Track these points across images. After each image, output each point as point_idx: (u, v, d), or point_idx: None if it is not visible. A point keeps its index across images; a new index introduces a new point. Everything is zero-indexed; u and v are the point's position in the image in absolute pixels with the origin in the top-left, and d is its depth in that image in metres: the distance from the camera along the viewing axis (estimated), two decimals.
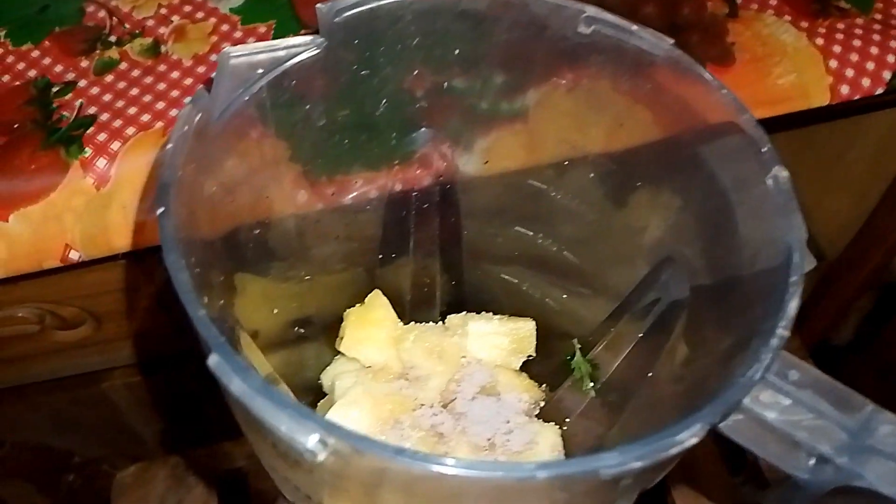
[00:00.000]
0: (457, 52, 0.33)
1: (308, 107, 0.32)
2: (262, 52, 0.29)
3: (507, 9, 0.31)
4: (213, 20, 0.53)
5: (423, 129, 0.37)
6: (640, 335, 0.36)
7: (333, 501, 0.24)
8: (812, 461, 0.23)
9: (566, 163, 0.36)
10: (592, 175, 0.36)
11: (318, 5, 0.30)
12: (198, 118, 0.26)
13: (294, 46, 0.29)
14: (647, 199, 0.34)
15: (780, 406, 0.23)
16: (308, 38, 0.30)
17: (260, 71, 0.29)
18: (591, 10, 0.30)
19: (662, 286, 0.34)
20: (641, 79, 0.31)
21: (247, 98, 0.29)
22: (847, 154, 0.79)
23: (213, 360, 0.20)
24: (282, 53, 0.29)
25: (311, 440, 0.20)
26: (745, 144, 0.28)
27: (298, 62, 0.30)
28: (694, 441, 0.20)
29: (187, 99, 0.48)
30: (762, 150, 0.27)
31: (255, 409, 0.20)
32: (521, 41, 0.33)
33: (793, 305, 0.23)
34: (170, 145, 0.25)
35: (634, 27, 0.30)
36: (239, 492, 0.68)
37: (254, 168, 0.35)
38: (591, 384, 0.39)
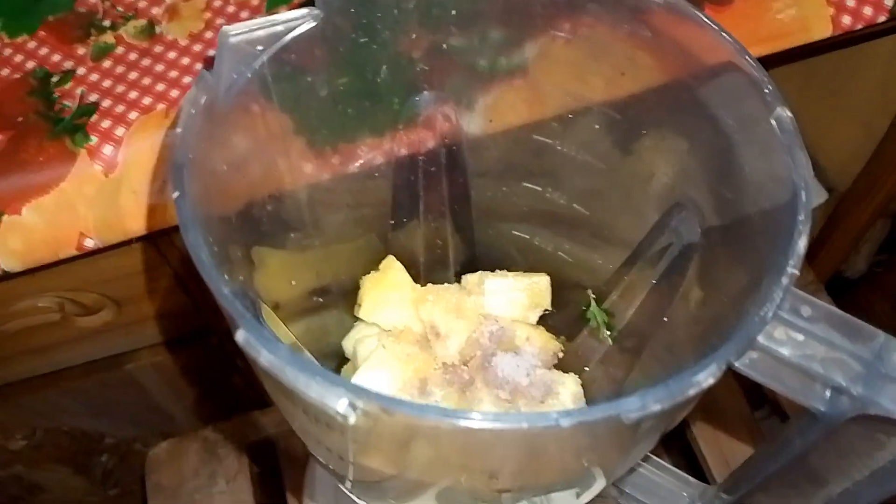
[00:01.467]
0: (454, 12, 0.33)
1: (310, 78, 0.33)
2: (261, 29, 0.29)
3: None
4: None
5: (424, 92, 0.37)
6: (654, 281, 0.36)
7: (365, 459, 0.25)
8: (828, 393, 0.24)
9: (570, 116, 0.37)
10: (597, 126, 0.36)
11: None
12: (203, 100, 0.26)
13: (291, 20, 0.30)
14: (652, 147, 0.35)
15: (795, 341, 0.24)
16: (304, 10, 0.30)
17: (259, 48, 0.29)
18: None
19: (673, 231, 0.34)
20: (640, 26, 0.31)
21: (249, 75, 0.29)
22: (852, 83, 0.78)
23: (240, 336, 0.21)
24: (280, 28, 0.29)
25: (341, 404, 0.20)
26: (747, 85, 0.28)
27: (297, 35, 0.30)
28: (711, 381, 0.21)
29: (188, 79, 0.49)
30: (765, 91, 0.27)
31: (285, 379, 0.21)
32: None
33: (801, 244, 0.23)
34: (179, 129, 0.25)
35: None
36: (269, 459, 0.70)
37: (261, 143, 0.35)
38: (608, 333, 0.40)
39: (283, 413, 0.29)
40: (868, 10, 0.52)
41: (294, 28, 0.30)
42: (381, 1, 0.32)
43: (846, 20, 0.52)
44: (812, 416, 0.25)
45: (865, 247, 0.96)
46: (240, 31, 0.28)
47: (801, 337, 0.24)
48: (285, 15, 0.30)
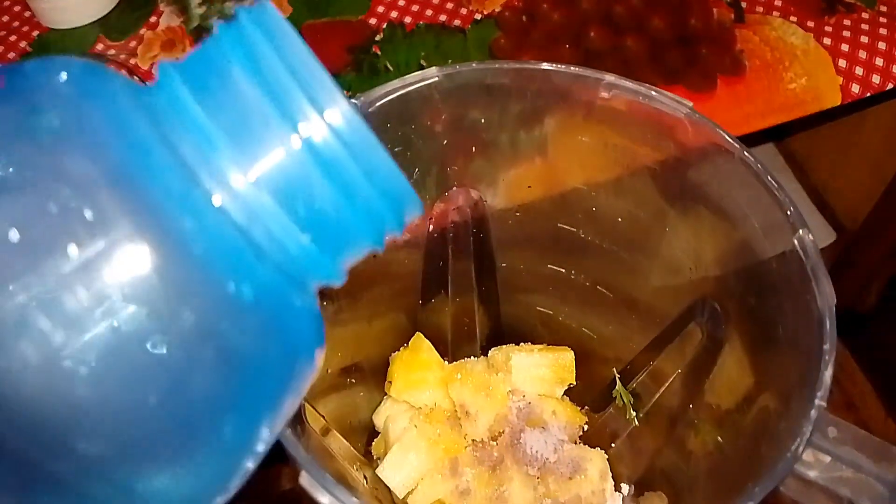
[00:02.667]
0: (483, 120, 0.35)
1: None
2: None
3: (530, 80, 0.33)
4: None
5: (454, 188, 0.39)
6: (680, 370, 0.37)
7: None
8: None
9: (594, 209, 0.38)
10: (620, 220, 0.38)
11: (353, 101, 0.31)
12: None
13: None
14: (676, 244, 0.36)
15: (822, 464, 0.25)
16: None
17: None
18: (611, 77, 0.32)
19: (699, 325, 0.36)
20: (663, 137, 0.32)
21: None
22: (863, 124, 0.79)
23: (304, 479, 0.22)
24: None
25: None
26: (771, 204, 0.29)
27: None
28: None
29: None
30: (788, 213, 0.28)
31: None
32: (545, 107, 0.34)
33: (827, 374, 0.24)
34: None
35: (654, 92, 0.31)
36: None
37: None
38: (634, 413, 0.41)
39: None
40: (876, 79, 0.54)
41: None
42: (416, 116, 0.33)
43: (855, 88, 0.54)
44: None
45: (876, 282, 0.97)
46: None
47: (827, 459, 0.25)
48: None
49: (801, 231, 0.27)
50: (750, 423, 0.31)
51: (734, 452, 0.30)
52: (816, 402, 0.24)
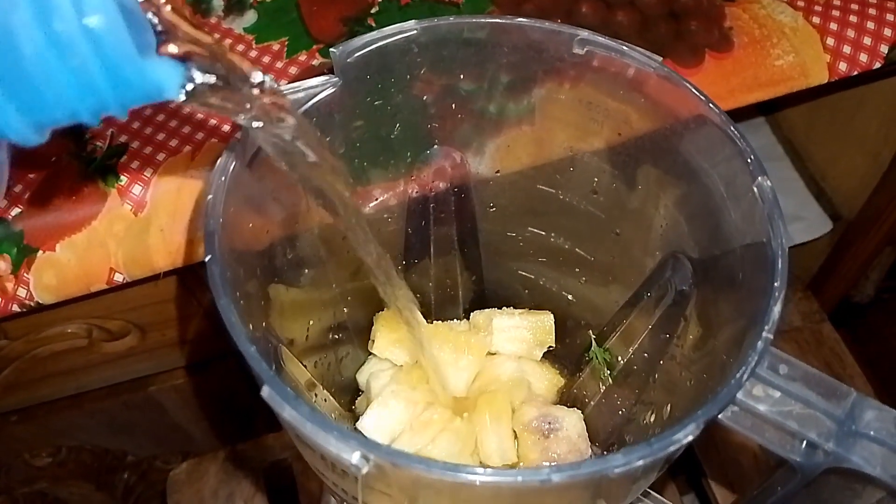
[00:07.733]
0: (462, 76, 0.36)
1: (329, 138, 0.35)
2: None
3: (506, 35, 0.34)
4: (228, 41, 0.56)
5: (435, 146, 0.39)
6: (651, 326, 0.38)
7: (375, 503, 0.27)
8: (804, 446, 0.26)
9: (571, 169, 0.39)
10: (596, 180, 0.38)
11: (332, 49, 0.32)
12: (232, 167, 0.29)
13: (313, 87, 0.32)
14: (647, 201, 0.37)
15: (772, 399, 0.26)
16: (324, 78, 0.32)
17: None
18: (584, 34, 0.32)
19: (668, 282, 0.37)
20: (634, 93, 0.33)
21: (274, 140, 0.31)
22: (860, 112, 0.79)
23: (265, 392, 0.23)
24: (301, 95, 0.32)
25: (354, 456, 0.23)
26: (733, 153, 0.30)
27: (317, 101, 0.32)
28: (690, 439, 0.23)
29: (213, 122, 0.51)
30: (748, 161, 0.29)
31: (305, 432, 0.23)
32: (521, 62, 0.35)
33: (776, 310, 0.25)
34: (210, 197, 0.27)
35: (625, 47, 0.32)
36: (285, 480, 0.72)
37: (281, 191, 0.37)
38: (609, 372, 0.42)
39: (304, 456, 0.31)
40: (864, 57, 0.54)
41: (315, 95, 0.32)
42: (395, 69, 0.34)
43: (843, 66, 0.54)
44: (790, 466, 0.27)
45: (874, 272, 0.97)
46: None
47: (777, 394, 0.26)
48: (307, 83, 0.32)
49: (759, 178, 0.28)
50: (709, 369, 0.31)
51: (694, 399, 0.31)
52: (764, 334, 0.25)
